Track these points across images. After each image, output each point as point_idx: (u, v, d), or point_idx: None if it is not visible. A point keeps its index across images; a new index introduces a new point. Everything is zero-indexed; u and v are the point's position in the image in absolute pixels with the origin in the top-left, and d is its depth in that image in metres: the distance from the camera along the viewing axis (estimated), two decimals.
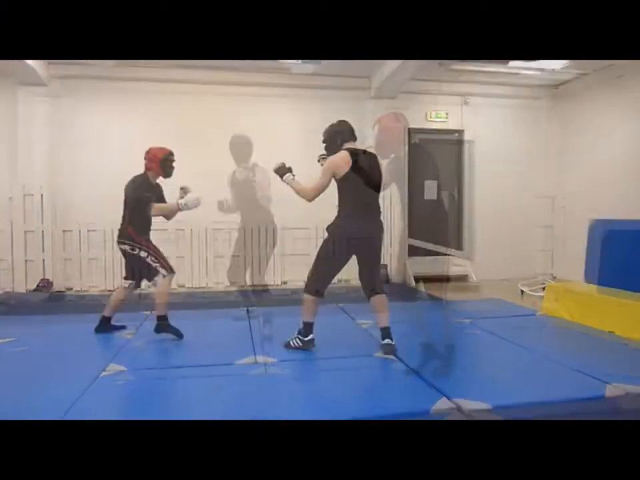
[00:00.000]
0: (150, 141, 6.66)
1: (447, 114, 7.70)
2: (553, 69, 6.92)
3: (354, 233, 3.40)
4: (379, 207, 3.55)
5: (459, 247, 7.80)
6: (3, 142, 6.44)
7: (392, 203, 7.27)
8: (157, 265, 3.73)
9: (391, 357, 3.32)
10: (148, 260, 3.72)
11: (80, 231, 6.64)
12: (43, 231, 6.40)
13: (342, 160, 3.38)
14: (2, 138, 6.44)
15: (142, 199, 3.71)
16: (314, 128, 6.62)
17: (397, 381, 2.93)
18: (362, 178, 3.38)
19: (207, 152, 6.71)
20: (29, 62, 5.80)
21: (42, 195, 6.38)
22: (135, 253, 3.72)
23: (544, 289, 5.48)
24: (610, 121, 6.83)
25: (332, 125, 3.60)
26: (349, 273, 6.95)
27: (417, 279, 7.21)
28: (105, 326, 3.99)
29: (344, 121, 3.61)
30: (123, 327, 4.09)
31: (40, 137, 6.42)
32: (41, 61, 6.21)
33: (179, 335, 3.76)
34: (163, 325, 3.76)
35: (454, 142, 7.86)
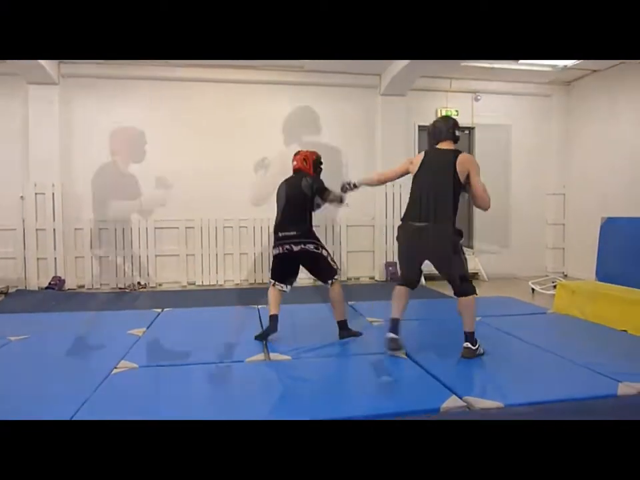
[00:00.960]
0: (163, 140, 6.79)
1: (457, 111, 7.65)
2: (565, 66, 6.86)
3: (402, 238, 3.36)
4: (444, 212, 3.17)
5: (468, 244, 7.80)
6: (15, 141, 6.51)
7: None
8: (334, 265, 3.67)
9: (477, 354, 3.26)
10: (328, 259, 3.63)
11: (91, 229, 6.68)
12: (54, 229, 6.48)
13: (415, 159, 3.38)
14: (14, 137, 6.52)
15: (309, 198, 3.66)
16: (325, 125, 6.72)
17: (407, 379, 2.91)
18: (424, 181, 3.25)
19: (226, 148, 6.80)
20: (40, 61, 5.85)
21: (53, 194, 6.45)
22: (318, 251, 3.60)
23: (555, 287, 5.44)
24: (622, 118, 6.76)
25: (434, 121, 3.45)
26: (357, 270, 6.94)
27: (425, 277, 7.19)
28: (274, 325, 3.65)
29: (446, 117, 3.50)
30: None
31: (51, 136, 6.48)
32: (52, 60, 6.26)
33: (358, 334, 3.71)
34: (347, 330, 3.69)
35: (464, 138, 7.84)
